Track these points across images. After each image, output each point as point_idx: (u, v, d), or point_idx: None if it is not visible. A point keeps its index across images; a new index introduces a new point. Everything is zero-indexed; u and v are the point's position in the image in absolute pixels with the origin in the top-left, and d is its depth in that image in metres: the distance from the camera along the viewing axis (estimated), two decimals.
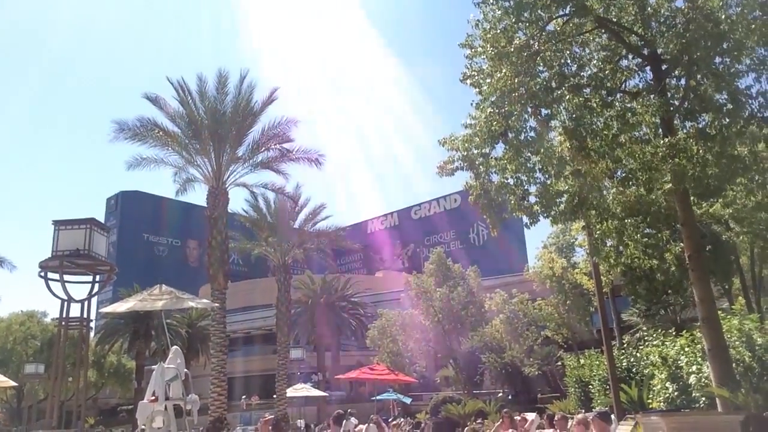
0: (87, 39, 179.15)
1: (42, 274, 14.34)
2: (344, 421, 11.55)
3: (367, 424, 15.79)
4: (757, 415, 6.16)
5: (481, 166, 7.82)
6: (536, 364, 27.51)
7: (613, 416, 9.67)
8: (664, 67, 7.48)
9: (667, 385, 9.28)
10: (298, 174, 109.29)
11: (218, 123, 22.76)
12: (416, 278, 36.39)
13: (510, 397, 27.53)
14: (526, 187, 7.89)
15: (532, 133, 7.47)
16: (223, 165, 23.11)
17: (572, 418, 11.57)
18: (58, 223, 14.37)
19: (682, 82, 7.32)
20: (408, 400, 31.74)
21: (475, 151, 7.71)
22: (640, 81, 8.13)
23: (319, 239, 33.22)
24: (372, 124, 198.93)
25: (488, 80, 7.79)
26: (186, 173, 23.88)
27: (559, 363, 26.06)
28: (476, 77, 8.03)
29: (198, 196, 25.49)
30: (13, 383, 32.20)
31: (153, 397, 14.85)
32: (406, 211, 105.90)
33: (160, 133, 22.55)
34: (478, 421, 20.16)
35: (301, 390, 32.03)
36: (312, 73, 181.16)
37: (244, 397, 44.66)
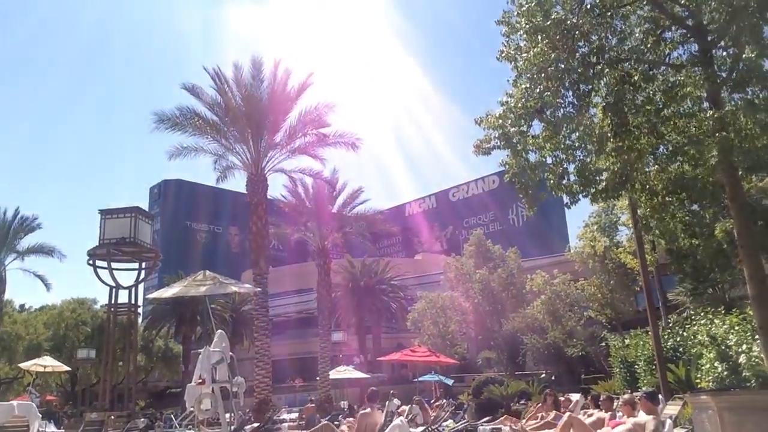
0: (128, 32, 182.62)
1: (90, 262, 14.78)
2: (387, 401, 11.67)
3: (410, 405, 15.89)
4: None
5: (518, 144, 7.68)
6: (579, 345, 27.18)
7: (660, 396, 9.51)
8: (710, 37, 7.19)
9: (716, 364, 9.07)
10: (335, 158, 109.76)
11: (255, 110, 22.98)
12: (455, 260, 36.31)
13: (553, 378, 27.31)
14: (565, 166, 7.74)
15: (570, 110, 7.29)
16: (261, 151, 23.36)
17: (618, 399, 11.44)
18: (104, 213, 14.77)
19: (729, 52, 7.02)
20: (450, 382, 31.78)
21: (512, 129, 7.58)
22: (684, 53, 7.83)
23: (357, 223, 33.39)
24: (407, 106, 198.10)
25: (524, 56, 7.62)
26: (225, 160, 24.28)
27: (603, 344, 25.68)
28: (512, 53, 7.87)
29: (238, 182, 25.92)
30: (66, 368, 33.48)
31: (200, 380, 15.24)
32: (444, 193, 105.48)
33: (199, 121, 22.90)
34: (521, 401, 20.06)
35: (343, 372, 32.46)
36: (343, 57, 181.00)
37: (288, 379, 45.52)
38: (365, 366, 43.25)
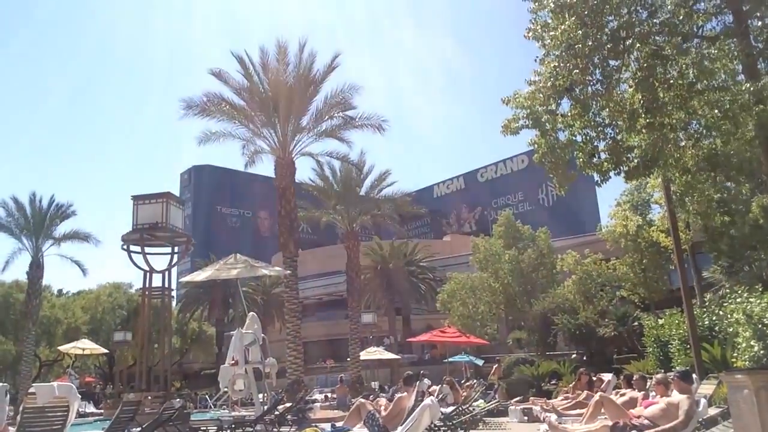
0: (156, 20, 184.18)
1: (125, 247, 15.06)
2: (417, 382, 11.77)
3: (440, 385, 15.98)
4: None
5: (547, 123, 7.57)
6: (611, 325, 26.89)
7: (694, 376, 9.40)
8: (745, 7, 6.95)
9: (752, 343, 8.90)
10: (362, 140, 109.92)
11: (281, 94, 23.04)
12: (484, 241, 36.11)
13: (584, 359, 27.10)
14: (595, 144, 7.61)
15: (600, 87, 7.14)
16: (288, 135, 23.46)
17: (651, 378, 11.34)
18: (136, 198, 15.00)
19: (766, 22, 6.78)
20: (480, 362, 31.85)
21: (541, 108, 7.47)
22: (718, 24, 7.61)
23: (385, 205, 33.44)
24: (433, 87, 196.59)
25: (552, 33, 7.48)
26: (253, 145, 24.47)
27: (636, 323, 25.41)
28: (539, 31, 7.73)
29: (266, 167, 26.10)
30: (104, 350, 34.39)
31: (233, 361, 15.56)
32: (473, 173, 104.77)
33: (227, 107, 23.07)
34: (552, 382, 20.03)
35: (373, 353, 32.73)
36: (367, 38, 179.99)
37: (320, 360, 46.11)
38: (395, 347, 43.53)
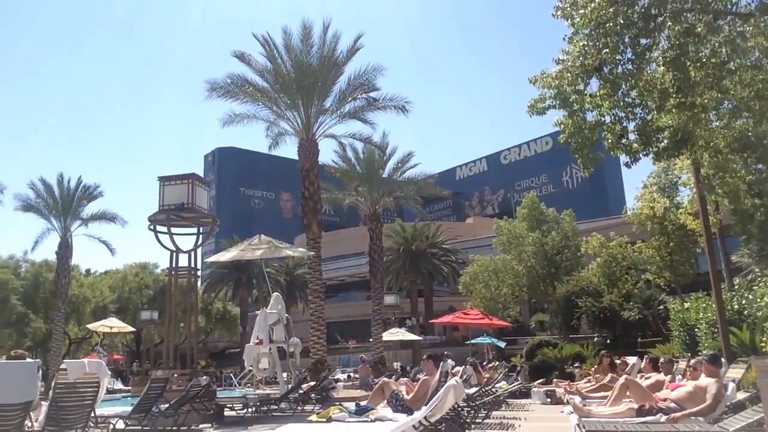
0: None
1: (151, 227, 15.26)
2: (441, 362, 11.80)
3: (464, 366, 16.04)
4: None
5: (575, 104, 7.44)
6: (636, 309, 26.73)
7: (723, 360, 9.29)
8: None
9: None
10: (385, 122, 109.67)
11: (305, 75, 22.99)
12: (507, 223, 35.94)
13: (608, 342, 26.98)
14: (624, 124, 7.47)
15: (630, 66, 6.99)
16: (311, 117, 23.45)
17: (677, 362, 11.25)
18: (163, 179, 15.16)
19: None
20: (502, 345, 31.89)
21: (569, 88, 7.35)
22: (752, 0, 7.37)
23: (408, 187, 33.39)
24: (456, 68, 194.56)
25: (581, 11, 7.33)
26: (277, 127, 24.52)
27: (662, 307, 25.21)
28: (568, 9, 7.57)
29: (289, 149, 26.27)
30: (131, 328, 35.06)
31: (258, 340, 15.77)
32: (496, 156, 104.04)
33: (250, 88, 23.10)
34: (575, 365, 19.95)
35: (396, 334, 32.95)
36: (391, 17, 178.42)
37: (342, 340, 46.52)
38: (417, 328, 43.75)
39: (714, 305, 12.68)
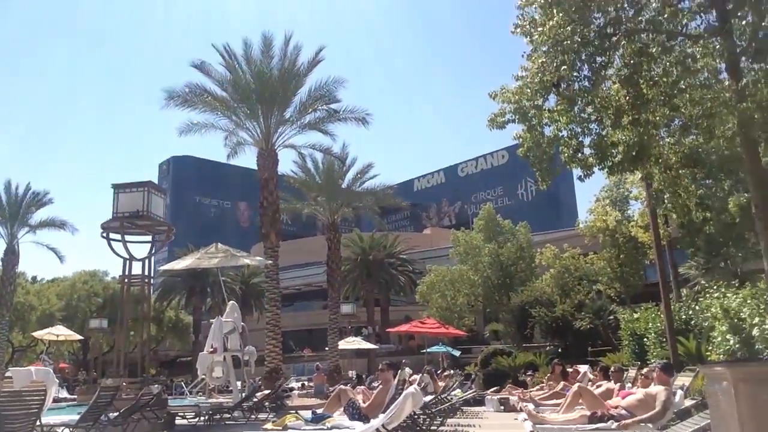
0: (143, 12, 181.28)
1: (104, 234, 14.88)
2: (399, 370, 11.83)
3: (421, 374, 16.15)
4: None
5: (533, 118, 7.65)
6: (587, 318, 27.36)
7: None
8: (728, 6, 7.06)
9: (728, 337, 9.12)
10: (345, 133, 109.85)
11: (265, 86, 22.93)
12: (464, 234, 36.40)
13: (560, 351, 27.51)
14: (580, 139, 7.71)
15: (586, 83, 7.23)
16: (271, 127, 23.39)
17: (627, 370, 11.58)
18: (117, 187, 14.82)
19: (749, 20, 6.88)
20: (457, 353, 32.22)
21: (527, 103, 7.55)
22: (702, 23, 7.70)
23: (367, 198, 33.51)
24: (419, 80, 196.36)
25: (539, 29, 7.54)
26: (236, 137, 24.38)
27: (612, 317, 25.89)
28: (527, 27, 7.78)
29: (248, 159, 26.04)
30: (79, 336, 34.04)
31: (212, 349, 15.52)
32: (453, 168, 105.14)
33: (209, 98, 22.92)
34: (528, 373, 20.30)
35: (352, 343, 32.85)
36: (352, 31, 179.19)
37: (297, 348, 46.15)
38: (373, 337, 43.70)
39: (662, 315, 13.10)
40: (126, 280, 15.27)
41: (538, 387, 14.76)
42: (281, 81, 23.20)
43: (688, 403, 8.11)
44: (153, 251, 15.98)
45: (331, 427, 7.60)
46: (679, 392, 7.93)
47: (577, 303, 29.14)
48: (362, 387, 12.51)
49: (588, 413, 8.33)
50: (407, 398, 6.91)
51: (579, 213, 70.52)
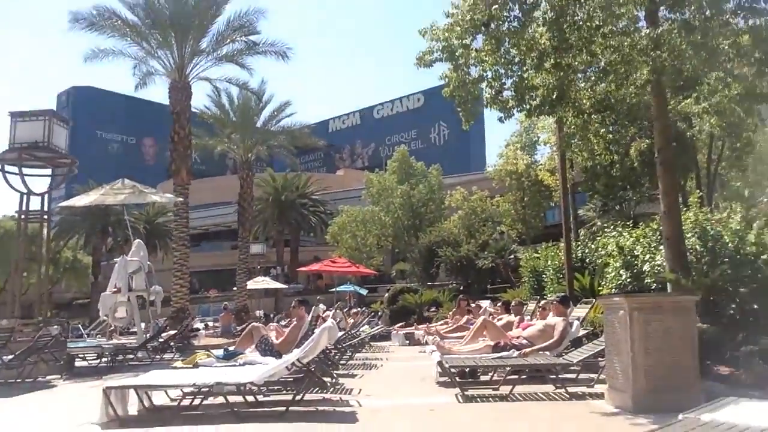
0: None
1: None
2: (313, 307, 12.03)
3: (333, 311, 16.52)
4: (704, 299, 6.70)
5: (461, 58, 7.72)
6: (490, 258, 28.64)
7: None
8: None
9: (621, 272, 9.89)
10: (264, 69, 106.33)
11: (180, 12, 21.65)
12: (378, 176, 36.71)
13: (461, 288, 28.73)
14: (503, 81, 7.88)
15: (516, 24, 7.33)
16: (185, 57, 22.26)
17: (527, 304, 12.35)
18: (15, 115, 13.64)
19: None
20: (364, 292, 33.05)
21: (456, 42, 7.60)
22: None
23: (282, 136, 32.89)
24: (337, 22, 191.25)
25: None
26: (146, 66, 23.05)
27: (512, 256, 27.22)
28: None
29: (156, 91, 24.84)
30: None
31: (115, 289, 15.04)
32: (368, 110, 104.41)
33: (119, 22, 21.40)
34: (433, 309, 21.16)
35: (261, 283, 32.86)
36: None
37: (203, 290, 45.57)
38: (282, 277, 43.78)
39: (561, 254, 13.94)
40: (23, 217, 14.33)
41: (442, 322, 15.46)
42: (197, 7, 21.96)
43: (582, 332, 8.81)
44: (54, 185, 15.05)
45: (244, 364, 7.64)
46: (576, 323, 8.58)
47: (482, 243, 30.33)
48: (274, 324, 12.62)
49: (492, 343, 8.89)
50: (324, 332, 7.05)
51: (487, 158, 72.67)
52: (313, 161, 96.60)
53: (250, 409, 6.65)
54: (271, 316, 26.14)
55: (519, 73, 7.61)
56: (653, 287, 8.89)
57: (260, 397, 7.07)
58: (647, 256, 9.49)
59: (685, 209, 9.74)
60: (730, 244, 8.53)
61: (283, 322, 14.50)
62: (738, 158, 16.31)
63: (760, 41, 6.94)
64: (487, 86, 7.93)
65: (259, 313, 29.18)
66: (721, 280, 7.97)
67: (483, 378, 8.54)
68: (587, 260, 13.93)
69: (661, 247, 8.85)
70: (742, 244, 8.43)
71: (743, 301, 7.98)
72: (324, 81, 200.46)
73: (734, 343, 7.43)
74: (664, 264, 8.44)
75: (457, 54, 7.71)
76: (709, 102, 8.92)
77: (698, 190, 14.19)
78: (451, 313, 15.85)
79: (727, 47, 6.40)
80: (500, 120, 8.15)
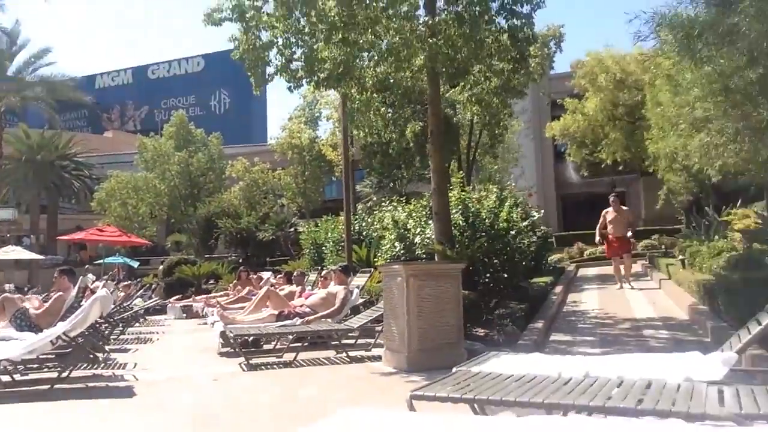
0: None
1: None
2: (81, 277, 10.92)
3: (104, 281, 15.37)
4: (465, 268, 7.52)
5: (252, 20, 7.55)
6: (270, 230, 28.77)
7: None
8: None
9: (396, 244, 10.62)
10: (20, 8, 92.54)
11: None
12: (153, 140, 34.58)
13: (240, 261, 28.54)
14: (294, 50, 7.90)
15: None
16: None
17: (308, 275, 12.71)
18: None
19: None
20: (135, 264, 31.12)
21: (247, 3, 7.41)
22: None
23: (39, 88, 29.24)
24: None
25: None
26: None
27: (293, 229, 27.66)
28: None
29: None
30: None
31: None
32: (143, 69, 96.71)
33: None
34: (211, 281, 20.75)
35: (10, 253, 29.13)
36: None
37: None
38: (37, 247, 39.21)
39: (342, 227, 14.59)
40: None
41: (222, 293, 15.26)
42: None
43: (360, 301, 9.36)
44: None
45: None
46: (356, 290, 9.07)
47: (262, 215, 30.34)
48: (33, 296, 11.36)
49: (275, 312, 9.05)
50: (96, 302, 6.55)
51: (269, 130, 72.23)
52: (76, 120, 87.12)
53: (6, 389, 5.93)
54: (25, 289, 23.40)
55: (309, 44, 7.71)
56: (423, 258, 9.71)
57: (17, 377, 6.30)
58: (418, 230, 10.32)
59: (450, 188, 10.76)
60: (486, 221, 9.67)
61: (53, 292, 13.12)
62: (492, 146, 18.62)
63: (517, 41, 7.92)
64: (278, 53, 7.91)
65: (9, 286, 25.88)
66: (479, 251, 9.00)
67: (266, 347, 8.63)
68: (364, 233, 14.75)
69: (431, 221, 9.70)
70: (496, 221, 9.63)
71: (496, 270, 9.15)
72: (93, 32, 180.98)
73: (489, 308, 8.48)
74: (433, 237, 9.26)
75: (248, 16, 7.55)
76: (472, 92, 9.95)
77: (461, 172, 15.73)
78: (231, 285, 15.70)
79: (490, 42, 7.19)
80: (289, 89, 8.19)
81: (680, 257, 13.09)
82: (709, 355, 3.69)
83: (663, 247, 20.39)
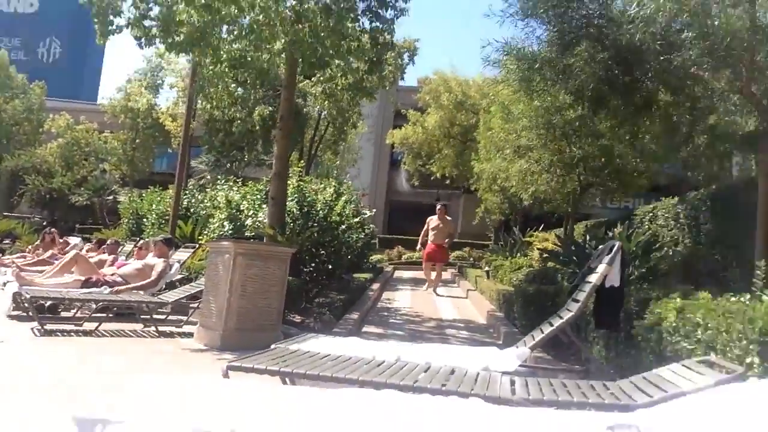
0: None
1: None
2: None
3: None
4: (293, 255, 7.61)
5: None
6: (87, 195, 26.69)
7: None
8: None
9: (225, 224, 10.39)
10: None
11: None
12: None
13: (46, 223, 26.15)
14: (150, 5, 7.44)
15: None
16: None
17: (123, 245, 12.01)
18: None
19: None
20: None
21: None
22: None
23: None
24: None
25: None
26: None
27: (112, 197, 25.96)
28: None
29: None
30: None
31: None
32: None
33: None
34: (7, 241, 18.95)
35: None
36: None
37: None
38: None
39: (169, 200, 14.00)
40: None
41: (18, 255, 13.93)
42: None
43: (178, 277, 9.03)
44: None
45: None
46: (176, 265, 8.73)
47: (80, 178, 28.10)
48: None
49: (82, 278, 8.43)
50: None
51: (101, 90, 66.75)
52: None
53: None
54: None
55: (168, 3, 7.32)
56: (252, 239, 9.63)
57: None
58: (251, 212, 10.24)
59: (289, 176, 10.78)
60: (321, 212, 9.87)
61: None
62: (335, 143, 19.03)
63: (377, 44, 8.22)
64: (133, 5, 7.42)
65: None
66: (309, 241, 9.16)
67: (65, 315, 7.99)
68: (192, 210, 14.31)
69: (265, 205, 9.66)
70: (330, 213, 9.87)
71: (322, 261, 9.36)
72: None
73: (309, 296, 8.65)
74: (266, 221, 9.23)
75: None
76: (326, 85, 10.11)
77: (301, 162, 15.81)
78: (31, 246, 14.36)
79: (351, 40, 7.39)
80: (139, 46, 7.70)
81: (486, 269, 14.47)
82: (505, 350, 4.21)
83: (471, 259, 22.36)
